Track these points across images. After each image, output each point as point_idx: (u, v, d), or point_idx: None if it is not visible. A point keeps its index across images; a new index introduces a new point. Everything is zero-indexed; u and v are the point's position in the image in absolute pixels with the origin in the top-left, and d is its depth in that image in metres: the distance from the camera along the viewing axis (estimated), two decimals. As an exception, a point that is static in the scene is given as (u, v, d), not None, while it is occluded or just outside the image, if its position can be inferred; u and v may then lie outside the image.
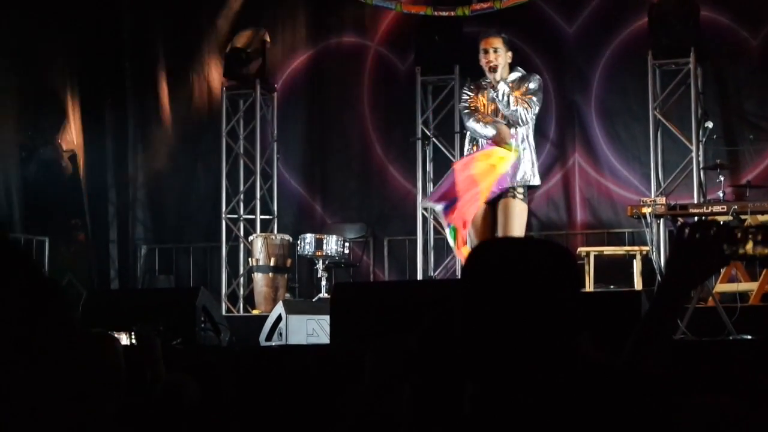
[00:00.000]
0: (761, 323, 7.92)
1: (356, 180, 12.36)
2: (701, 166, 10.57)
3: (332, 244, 10.59)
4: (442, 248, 11.19)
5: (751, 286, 9.17)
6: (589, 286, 10.16)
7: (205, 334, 8.05)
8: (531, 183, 8.56)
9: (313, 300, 10.20)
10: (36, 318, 3.19)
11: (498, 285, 2.27)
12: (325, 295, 10.14)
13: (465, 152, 8.84)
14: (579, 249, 10.53)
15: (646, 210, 8.93)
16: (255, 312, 10.98)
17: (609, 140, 11.50)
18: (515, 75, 8.74)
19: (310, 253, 10.59)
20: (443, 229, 8.83)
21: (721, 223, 2.31)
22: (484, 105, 8.72)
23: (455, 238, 8.36)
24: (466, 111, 8.80)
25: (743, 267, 9.22)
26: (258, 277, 11.18)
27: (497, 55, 8.60)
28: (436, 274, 11.30)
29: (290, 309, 8.69)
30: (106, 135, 13.04)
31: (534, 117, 8.63)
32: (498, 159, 8.43)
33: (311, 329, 8.52)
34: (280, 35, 12.41)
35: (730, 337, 7.54)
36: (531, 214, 11.64)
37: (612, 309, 6.59)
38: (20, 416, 3.10)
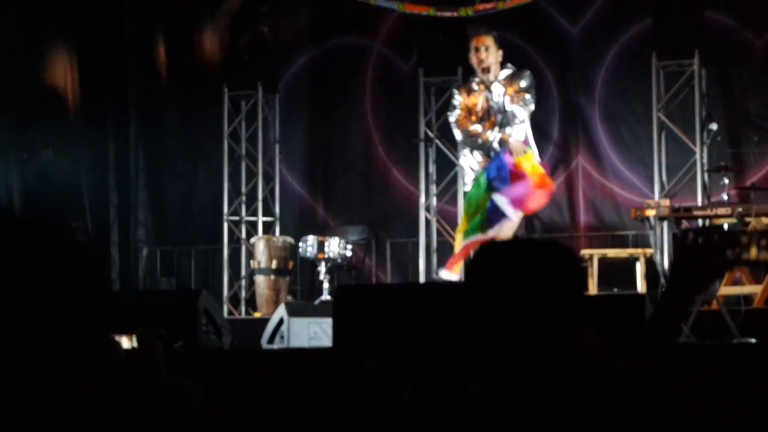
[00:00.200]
0: (765, 326, 7.90)
1: (358, 182, 12.34)
2: (705, 168, 10.54)
3: (334, 247, 10.57)
4: (445, 250, 11.16)
5: (755, 289, 9.15)
6: (593, 289, 10.13)
7: (206, 337, 8.03)
8: None
9: (315, 303, 10.18)
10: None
11: (502, 286, 2.26)
12: (327, 297, 10.12)
13: (467, 157, 8.89)
14: (582, 251, 10.51)
15: (650, 212, 8.91)
16: (257, 315, 10.96)
17: (612, 142, 11.47)
18: (506, 72, 8.76)
19: (312, 256, 10.57)
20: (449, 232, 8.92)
21: (725, 228, 2.29)
22: (475, 105, 8.73)
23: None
24: (454, 122, 8.86)
25: (747, 270, 9.19)
26: (260, 279, 11.16)
27: (488, 53, 8.62)
28: (439, 276, 11.27)
29: (292, 312, 8.67)
30: (108, 137, 13.02)
31: (530, 112, 8.67)
32: (528, 170, 8.69)
33: (313, 332, 8.50)
34: (283, 36, 12.39)
35: (735, 341, 7.52)
36: (534, 215, 11.64)
37: (615, 312, 6.56)
38: (20, 419, 3.07)
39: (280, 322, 8.60)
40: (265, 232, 11.87)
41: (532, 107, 8.72)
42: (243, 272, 11.85)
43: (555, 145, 11.64)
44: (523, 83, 8.69)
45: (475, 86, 8.77)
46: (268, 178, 12.19)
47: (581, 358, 2.25)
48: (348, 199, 12.36)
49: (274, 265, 11.08)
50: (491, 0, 11.51)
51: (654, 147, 10.84)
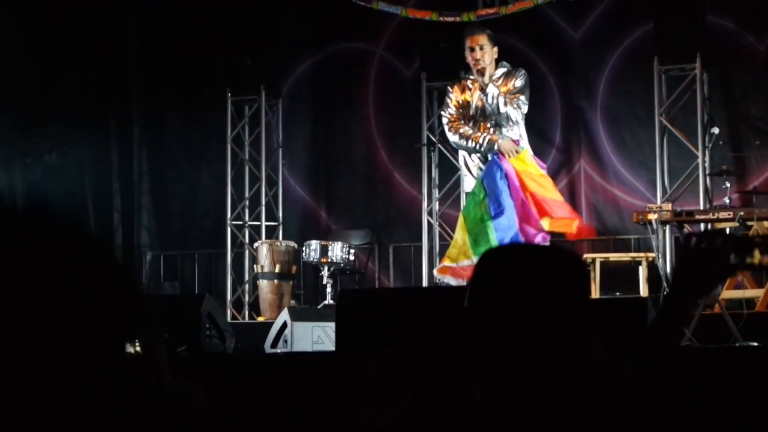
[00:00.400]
0: (768, 330, 7.91)
1: (361, 186, 12.35)
2: (707, 172, 10.55)
3: (337, 251, 10.58)
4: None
5: (757, 293, 9.15)
6: (595, 293, 10.14)
7: (210, 341, 8.04)
8: None
9: (319, 307, 10.19)
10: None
11: (506, 290, 2.27)
12: (330, 301, 10.13)
13: (465, 161, 8.88)
14: (584, 255, 10.51)
15: (652, 216, 8.91)
16: (260, 319, 10.97)
17: (615, 146, 11.48)
18: (501, 70, 8.75)
19: (315, 260, 10.58)
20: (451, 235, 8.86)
21: (728, 232, 2.31)
22: (469, 103, 8.73)
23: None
24: (447, 124, 8.85)
25: (750, 274, 9.19)
26: (263, 283, 11.16)
27: (483, 52, 8.62)
28: (440, 280, 11.27)
29: (295, 316, 8.68)
30: (111, 141, 13.04)
31: (524, 114, 8.67)
32: (528, 165, 8.61)
33: (316, 336, 8.51)
34: (286, 41, 12.40)
35: (737, 344, 7.52)
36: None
37: (618, 316, 6.58)
38: (20, 424, 3.09)
39: (284, 326, 8.61)
40: (268, 236, 11.88)
41: (526, 108, 8.72)
42: (246, 277, 11.86)
43: (557, 149, 11.65)
44: (518, 83, 8.69)
45: (470, 84, 8.77)
46: (271, 183, 12.21)
47: (585, 362, 2.26)
48: (351, 204, 12.37)
49: (277, 269, 11.08)
50: (493, 5, 11.54)
51: (656, 151, 10.84)
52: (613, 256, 10.57)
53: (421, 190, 11.57)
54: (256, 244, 11.51)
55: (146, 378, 4.37)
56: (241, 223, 12.10)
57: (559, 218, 8.59)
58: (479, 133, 8.73)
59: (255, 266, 11.36)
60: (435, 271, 9.20)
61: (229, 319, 10.53)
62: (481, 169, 8.75)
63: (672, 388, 2.24)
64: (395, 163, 12.13)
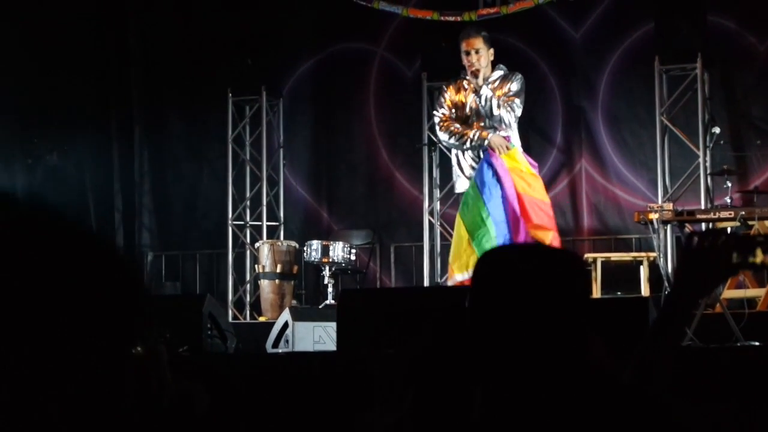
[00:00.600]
0: (769, 329, 7.90)
1: (363, 186, 12.35)
2: (708, 171, 10.55)
3: (339, 251, 10.58)
4: (449, 255, 11.16)
5: (759, 293, 9.15)
6: (596, 293, 10.14)
7: (211, 341, 8.04)
8: None
9: (320, 307, 10.19)
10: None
11: (508, 290, 2.27)
12: (332, 301, 10.12)
13: (459, 161, 8.84)
14: (586, 255, 10.51)
15: (653, 216, 8.91)
16: (261, 319, 10.97)
17: (616, 146, 11.48)
18: (497, 74, 8.73)
19: (316, 260, 10.58)
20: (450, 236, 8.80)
21: (729, 232, 2.31)
22: (463, 104, 8.72)
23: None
24: (438, 123, 8.83)
25: (751, 273, 9.19)
26: (264, 283, 11.17)
27: (479, 56, 8.61)
28: (442, 280, 11.27)
29: (297, 316, 8.68)
30: (112, 141, 13.04)
31: (518, 118, 8.65)
32: (518, 163, 8.55)
33: (318, 336, 8.51)
34: (286, 41, 12.40)
35: (738, 344, 7.52)
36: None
37: (619, 315, 6.57)
38: (21, 425, 3.09)
39: (285, 326, 8.61)
40: (269, 236, 11.88)
41: (520, 112, 8.69)
42: (248, 277, 11.86)
43: (558, 149, 11.66)
44: (514, 87, 8.67)
45: (465, 84, 8.76)
46: (273, 183, 12.21)
47: (587, 363, 2.26)
48: (352, 204, 12.37)
49: (278, 269, 11.09)
50: (494, 4, 11.54)
51: (657, 150, 10.84)
52: (615, 256, 10.57)
53: (422, 190, 11.57)
54: (257, 244, 11.51)
55: (147, 378, 4.37)
56: (242, 223, 12.10)
57: (537, 225, 8.52)
58: (470, 130, 8.72)
59: (256, 266, 11.36)
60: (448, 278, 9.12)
61: (230, 319, 10.52)
62: (473, 168, 8.71)
63: (674, 387, 2.24)
64: (396, 163, 12.13)
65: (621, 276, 10.44)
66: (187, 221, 12.84)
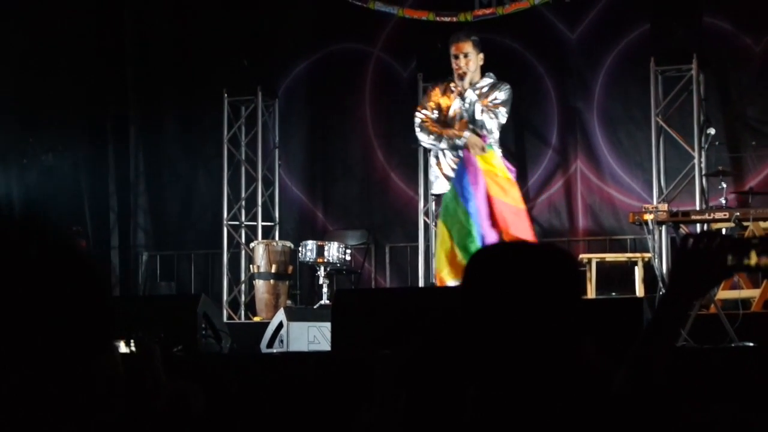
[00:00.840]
0: (763, 330, 7.91)
1: (358, 187, 12.35)
2: (703, 172, 10.55)
3: (334, 251, 10.57)
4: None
5: (753, 294, 9.16)
6: (591, 293, 10.14)
7: (206, 341, 8.03)
8: None
9: (315, 307, 10.19)
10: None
11: (499, 290, 2.27)
12: (327, 302, 10.12)
13: (438, 162, 8.79)
14: (581, 256, 10.52)
15: (648, 217, 8.91)
16: (256, 319, 10.97)
17: (611, 147, 11.49)
18: (486, 81, 8.70)
19: (311, 260, 10.57)
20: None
21: (724, 233, 2.31)
22: (448, 107, 8.70)
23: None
24: (417, 123, 8.79)
25: (746, 275, 9.20)
26: (259, 284, 11.16)
27: (468, 60, 8.58)
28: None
29: (291, 316, 8.68)
30: (108, 141, 13.04)
31: (499, 127, 8.59)
32: (494, 167, 8.48)
33: (312, 336, 8.51)
34: (282, 41, 12.40)
35: (732, 345, 7.53)
36: (533, 220, 11.65)
37: (613, 316, 6.57)
38: (16, 425, 3.09)
39: (280, 326, 8.61)
40: (264, 236, 11.88)
41: (503, 120, 8.62)
42: (242, 277, 11.86)
43: (554, 150, 11.66)
44: (501, 96, 8.63)
45: (452, 87, 8.74)
46: (268, 183, 12.21)
47: (578, 363, 2.26)
48: (347, 204, 12.37)
49: (273, 269, 11.08)
50: (490, 5, 11.54)
51: (652, 152, 10.85)
52: (609, 257, 10.58)
53: (417, 190, 11.58)
54: (252, 245, 11.50)
55: (141, 378, 4.37)
56: (237, 223, 12.10)
57: (514, 237, 8.42)
58: (449, 130, 8.70)
59: (251, 266, 11.36)
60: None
61: (225, 319, 10.53)
62: (454, 170, 8.66)
63: (668, 388, 2.24)
64: (392, 164, 12.13)
65: (616, 277, 10.46)
66: (182, 221, 12.84)
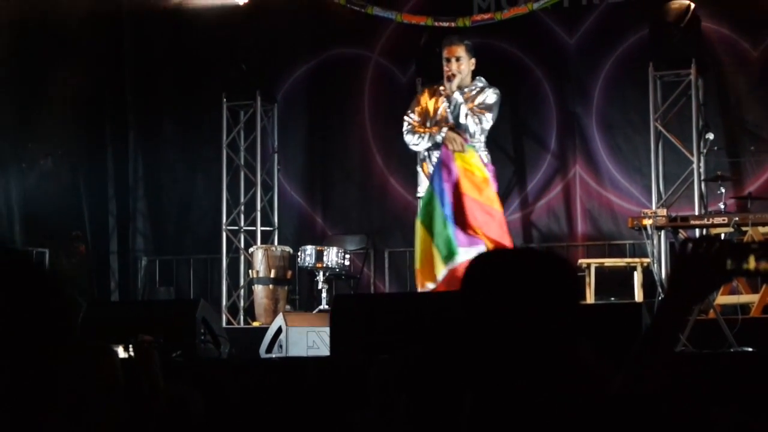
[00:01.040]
0: (762, 335, 7.91)
1: (357, 191, 12.36)
2: (702, 177, 10.56)
3: (333, 256, 10.57)
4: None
5: (752, 299, 9.16)
6: (590, 298, 10.14)
7: (205, 346, 8.03)
8: None
9: (314, 312, 10.19)
10: (36, 327, 3.18)
11: (496, 295, 2.27)
12: (326, 306, 10.12)
13: (423, 164, 8.77)
14: (580, 260, 10.52)
15: (647, 222, 8.91)
16: (255, 324, 10.96)
17: (610, 152, 11.49)
18: (475, 85, 8.68)
19: (310, 265, 10.57)
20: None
21: (724, 238, 2.31)
22: (436, 109, 8.69)
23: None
24: (405, 126, 8.79)
25: (745, 280, 9.20)
26: (258, 288, 11.16)
27: (459, 64, 8.57)
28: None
29: (290, 321, 8.67)
30: (107, 146, 13.04)
31: (484, 131, 8.56)
32: (471, 165, 8.43)
33: (311, 341, 8.51)
34: (281, 46, 12.40)
35: (732, 350, 7.53)
36: (531, 225, 11.67)
37: (612, 321, 6.57)
38: (18, 429, 3.09)
39: (279, 331, 8.60)
40: (263, 241, 11.88)
41: (488, 126, 8.57)
42: (241, 282, 11.86)
43: (552, 155, 11.66)
44: (489, 100, 8.60)
45: (441, 90, 8.74)
46: (267, 188, 12.21)
47: (575, 367, 2.27)
48: (346, 209, 12.37)
49: (272, 274, 11.08)
50: (489, 10, 11.55)
51: (651, 156, 10.85)
52: (608, 262, 10.58)
53: (416, 195, 11.56)
54: (251, 249, 11.50)
55: (139, 382, 4.37)
56: (236, 228, 12.10)
57: (487, 237, 8.38)
58: (433, 128, 8.69)
59: (250, 271, 11.35)
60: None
61: (224, 324, 10.52)
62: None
63: (667, 393, 2.24)
64: (390, 168, 12.13)
65: (615, 281, 10.45)
66: (181, 226, 12.84)
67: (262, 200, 12.06)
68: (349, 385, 6.27)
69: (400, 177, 12.08)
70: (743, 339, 7.70)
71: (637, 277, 10.29)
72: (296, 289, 11.96)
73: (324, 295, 10.45)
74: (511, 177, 11.75)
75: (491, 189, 8.52)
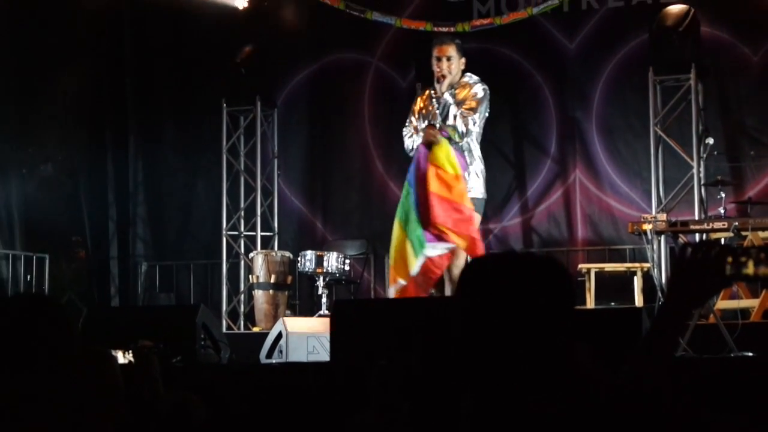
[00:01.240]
0: (762, 340, 7.91)
1: (357, 196, 12.36)
2: (702, 182, 10.55)
3: (333, 261, 10.56)
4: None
5: (752, 303, 9.15)
6: (590, 303, 10.14)
7: (205, 352, 8.03)
8: (475, 196, 8.49)
9: (314, 317, 10.18)
10: (32, 335, 3.19)
11: (491, 299, 2.28)
12: (326, 312, 10.11)
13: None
14: (580, 266, 10.52)
15: (647, 226, 8.91)
16: (255, 329, 10.96)
17: (610, 156, 11.50)
18: (464, 81, 8.66)
19: (310, 270, 10.57)
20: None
21: (723, 243, 2.31)
22: (428, 112, 8.68)
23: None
24: (405, 134, 8.79)
25: (745, 284, 9.20)
26: (258, 294, 11.16)
27: (450, 63, 8.55)
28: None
29: (291, 326, 8.67)
30: (107, 151, 13.05)
31: (473, 129, 8.51)
32: (443, 162, 8.39)
33: (312, 346, 8.50)
34: (281, 51, 12.41)
35: (732, 354, 7.52)
36: (532, 230, 11.66)
37: (612, 326, 6.58)
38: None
39: (279, 336, 8.60)
40: (263, 246, 11.87)
41: (473, 128, 8.51)
42: (242, 287, 11.86)
43: (552, 160, 11.67)
44: (476, 97, 8.57)
45: (433, 93, 8.74)
46: (267, 193, 12.20)
47: (572, 371, 2.27)
48: (346, 214, 12.38)
49: (272, 279, 11.08)
50: (488, 15, 11.55)
51: (651, 161, 10.85)
52: (609, 267, 10.58)
53: (416, 200, 11.56)
54: (251, 255, 11.50)
55: (139, 387, 4.37)
56: (236, 233, 12.10)
57: (453, 230, 8.35)
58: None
59: (250, 276, 11.35)
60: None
61: (224, 330, 10.52)
62: None
63: (666, 398, 2.24)
64: (391, 174, 12.12)
65: (615, 286, 10.45)
66: (181, 231, 12.84)
67: (262, 205, 12.06)
68: (349, 390, 6.27)
69: (400, 182, 12.01)
70: (743, 344, 7.70)
71: (637, 282, 10.29)
72: (296, 294, 11.95)
73: (324, 300, 10.44)
74: (511, 182, 11.75)
75: (463, 185, 8.44)
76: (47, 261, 11.61)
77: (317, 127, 12.56)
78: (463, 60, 8.64)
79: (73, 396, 3.10)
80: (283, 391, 6.72)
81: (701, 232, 8.91)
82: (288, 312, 11.12)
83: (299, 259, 10.67)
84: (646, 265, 10.08)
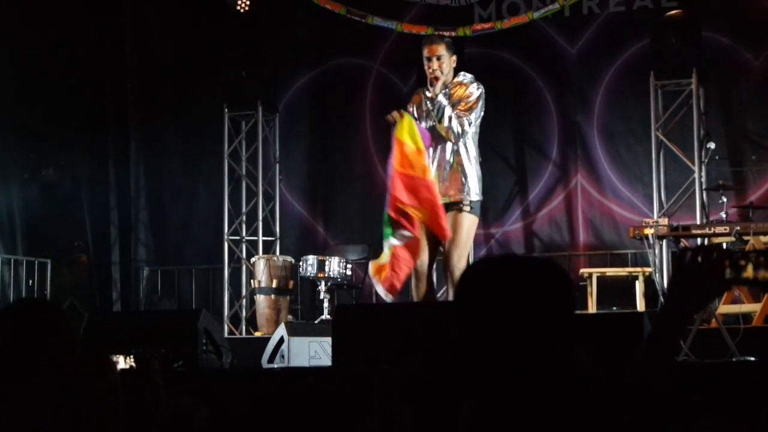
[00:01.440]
0: (764, 345, 7.90)
1: (359, 201, 12.35)
2: (704, 186, 10.55)
3: (334, 266, 10.56)
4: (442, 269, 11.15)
5: (754, 308, 9.15)
6: (592, 308, 10.14)
7: (206, 357, 8.02)
8: (471, 198, 8.49)
9: (316, 322, 10.18)
10: (34, 340, 3.20)
11: (490, 302, 2.28)
12: (327, 316, 10.11)
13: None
14: (581, 270, 10.52)
15: (649, 231, 8.91)
16: (257, 334, 10.96)
17: (611, 161, 11.50)
18: (457, 81, 8.64)
19: (312, 275, 10.56)
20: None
21: (723, 247, 2.31)
22: (423, 111, 8.68)
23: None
24: None
25: (746, 289, 9.20)
26: (260, 299, 11.16)
27: (441, 62, 8.52)
28: (438, 296, 11.25)
29: (292, 331, 8.67)
30: (108, 156, 13.05)
31: (469, 129, 8.48)
32: (405, 136, 8.42)
33: (313, 351, 8.50)
34: (282, 56, 12.41)
35: (733, 359, 7.52)
36: (533, 235, 11.66)
37: (614, 330, 6.57)
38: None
39: (281, 341, 8.60)
40: (265, 251, 11.88)
41: (468, 128, 8.50)
42: (243, 292, 11.86)
43: (554, 164, 11.67)
44: (470, 96, 8.56)
45: (427, 93, 8.73)
46: (269, 198, 12.21)
47: (571, 373, 2.27)
48: (348, 219, 12.38)
49: (274, 284, 11.08)
50: (489, 19, 11.56)
51: (652, 166, 10.85)
52: (610, 271, 10.58)
53: (418, 205, 11.56)
54: (253, 260, 11.50)
55: (140, 393, 4.37)
56: (238, 238, 12.10)
57: (425, 208, 8.39)
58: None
59: (252, 281, 11.35)
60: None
61: (226, 335, 10.52)
62: None
63: (666, 402, 2.24)
64: (392, 178, 12.12)
65: (616, 291, 10.45)
66: (183, 236, 12.84)
67: (263, 210, 12.06)
68: (351, 395, 6.26)
69: (401, 187, 12.06)
70: (745, 348, 7.69)
71: (639, 287, 10.29)
72: (298, 299, 11.96)
73: (326, 305, 10.44)
74: (512, 186, 11.75)
75: (424, 159, 8.40)
76: (49, 266, 11.62)
77: (319, 131, 12.57)
78: (454, 58, 8.60)
79: (73, 401, 3.10)
80: (285, 396, 6.72)
81: (703, 236, 8.91)
82: (290, 317, 11.12)
83: (301, 263, 10.67)
84: (648, 269, 10.08)
